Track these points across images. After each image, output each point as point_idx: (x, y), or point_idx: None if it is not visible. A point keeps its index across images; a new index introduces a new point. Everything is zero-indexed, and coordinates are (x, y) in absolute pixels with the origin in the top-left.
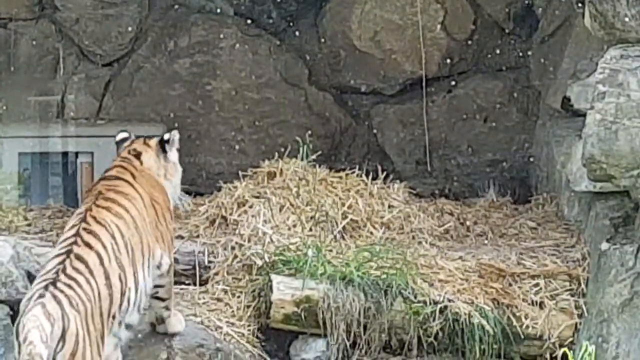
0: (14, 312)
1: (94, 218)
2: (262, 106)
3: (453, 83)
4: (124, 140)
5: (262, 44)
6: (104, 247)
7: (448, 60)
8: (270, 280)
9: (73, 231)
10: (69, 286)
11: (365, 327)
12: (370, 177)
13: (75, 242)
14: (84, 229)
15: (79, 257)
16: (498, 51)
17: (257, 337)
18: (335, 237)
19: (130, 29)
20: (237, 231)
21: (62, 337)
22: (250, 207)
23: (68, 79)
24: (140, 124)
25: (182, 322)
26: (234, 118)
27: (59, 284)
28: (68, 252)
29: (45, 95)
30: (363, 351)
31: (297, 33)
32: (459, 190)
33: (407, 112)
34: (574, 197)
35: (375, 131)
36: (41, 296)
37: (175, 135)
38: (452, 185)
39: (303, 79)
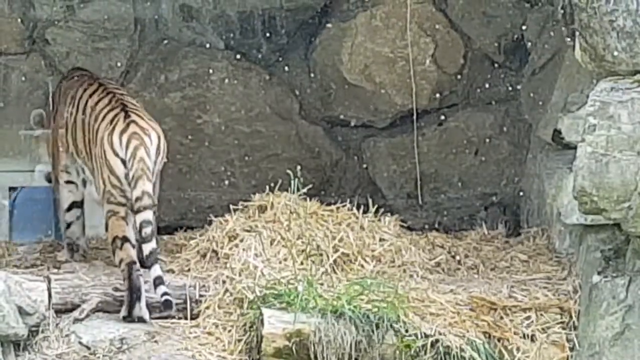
0: (3, 347)
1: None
2: (253, 139)
3: (443, 116)
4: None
5: (252, 78)
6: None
7: (438, 94)
8: (261, 314)
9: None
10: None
11: None
12: (361, 210)
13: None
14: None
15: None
16: (488, 84)
17: None
18: (326, 270)
19: (120, 63)
20: (228, 265)
21: (158, 147)
22: (241, 240)
23: None
24: None
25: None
26: (224, 151)
27: (130, 107)
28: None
29: (36, 129)
30: None
31: (287, 66)
32: (450, 223)
33: (398, 145)
34: (565, 230)
35: (366, 164)
36: (127, 116)
37: None
38: (443, 219)
39: (294, 112)
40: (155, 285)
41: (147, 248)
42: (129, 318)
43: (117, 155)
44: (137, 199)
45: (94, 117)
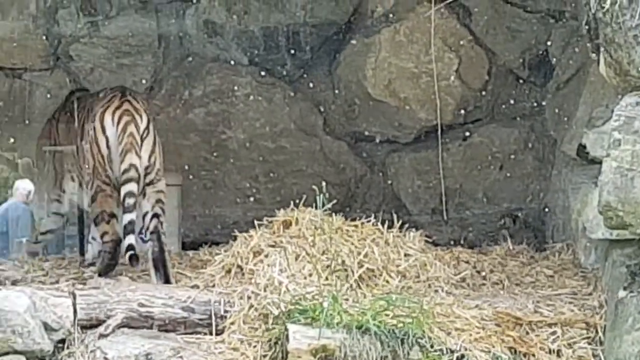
0: None
1: None
2: (277, 155)
3: (468, 131)
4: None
5: (276, 93)
6: None
7: (463, 109)
8: (286, 330)
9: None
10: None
11: None
12: (385, 225)
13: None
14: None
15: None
16: (513, 99)
17: None
18: (351, 286)
19: (145, 79)
20: (253, 280)
21: (147, 127)
22: (266, 256)
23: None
24: None
25: None
26: (249, 167)
27: (128, 91)
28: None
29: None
30: None
31: (311, 82)
32: (475, 238)
33: (423, 160)
34: (590, 245)
35: (390, 180)
36: (123, 96)
37: None
38: (468, 234)
39: (318, 127)
40: (126, 251)
41: (126, 218)
42: (100, 277)
43: (104, 133)
44: (125, 171)
45: (95, 104)
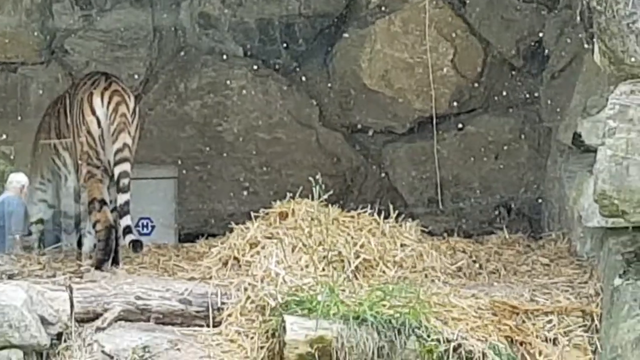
0: (26, 356)
1: None
2: (273, 146)
3: (462, 123)
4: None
5: (272, 85)
6: None
7: (458, 99)
8: (283, 321)
9: None
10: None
11: None
12: (382, 216)
13: None
14: None
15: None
16: (508, 89)
17: None
18: (347, 276)
19: (139, 72)
20: (249, 272)
21: (134, 108)
22: (263, 247)
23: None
24: (151, 166)
25: None
26: (245, 159)
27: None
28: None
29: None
30: None
31: (306, 73)
32: (471, 228)
33: (418, 150)
34: (586, 233)
35: (386, 170)
36: (108, 78)
37: None
38: (464, 223)
39: (314, 118)
40: (125, 234)
41: (123, 198)
42: (97, 270)
43: (94, 113)
44: (118, 150)
45: (77, 89)
